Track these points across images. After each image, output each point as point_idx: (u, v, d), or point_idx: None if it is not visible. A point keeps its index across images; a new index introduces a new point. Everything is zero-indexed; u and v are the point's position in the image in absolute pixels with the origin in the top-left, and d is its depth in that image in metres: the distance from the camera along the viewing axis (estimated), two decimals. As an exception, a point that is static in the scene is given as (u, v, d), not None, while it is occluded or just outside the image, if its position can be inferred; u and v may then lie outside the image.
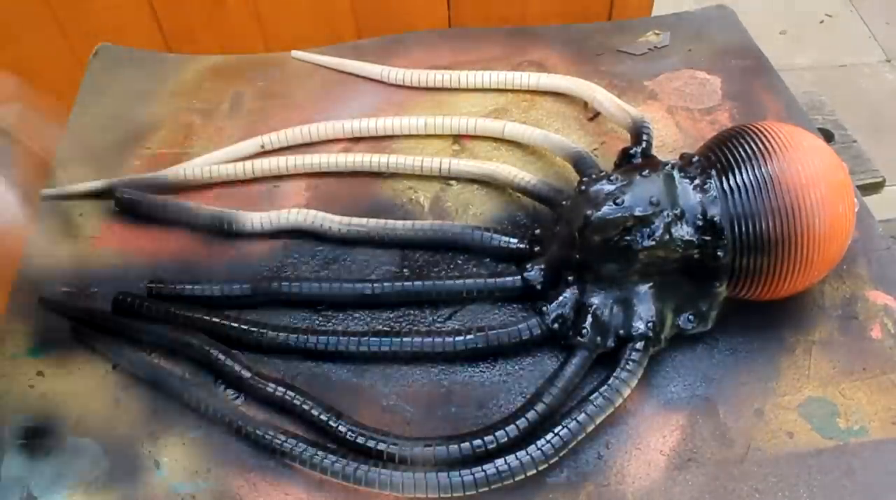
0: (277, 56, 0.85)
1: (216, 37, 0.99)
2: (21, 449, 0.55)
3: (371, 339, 0.59)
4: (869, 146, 1.14)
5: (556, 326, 0.59)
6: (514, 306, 0.63)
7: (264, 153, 0.75)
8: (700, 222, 0.56)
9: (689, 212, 0.56)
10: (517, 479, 0.52)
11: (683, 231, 0.56)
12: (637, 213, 0.56)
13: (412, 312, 0.63)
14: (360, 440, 0.54)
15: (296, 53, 0.85)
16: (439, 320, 0.62)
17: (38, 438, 0.56)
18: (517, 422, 0.53)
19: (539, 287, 0.61)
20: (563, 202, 0.63)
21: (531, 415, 0.54)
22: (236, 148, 0.74)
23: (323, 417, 0.55)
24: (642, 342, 0.57)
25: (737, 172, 0.56)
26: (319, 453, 0.53)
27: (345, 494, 0.53)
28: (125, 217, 0.70)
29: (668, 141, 0.75)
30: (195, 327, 0.60)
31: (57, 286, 0.65)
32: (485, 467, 0.51)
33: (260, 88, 0.82)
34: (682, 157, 0.60)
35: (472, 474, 0.51)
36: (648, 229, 0.56)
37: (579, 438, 0.53)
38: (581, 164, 0.67)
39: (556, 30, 0.87)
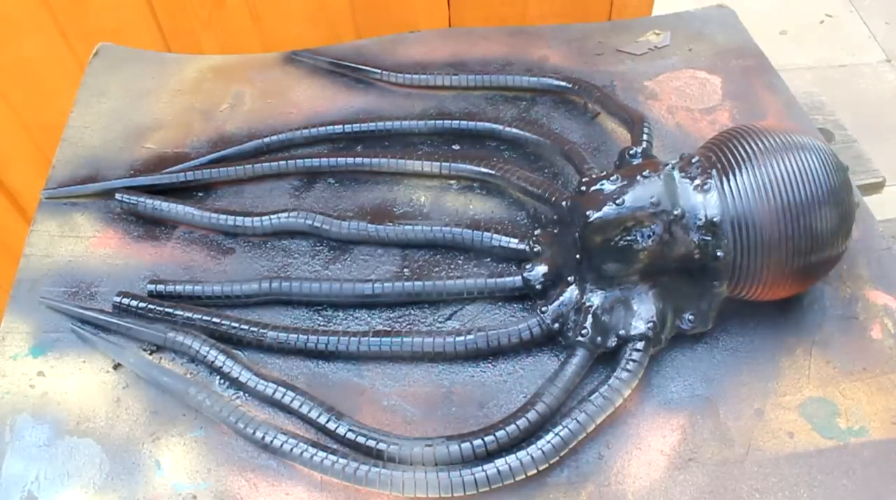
0: (277, 56, 0.85)
1: (216, 37, 0.99)
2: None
3: (371, 339, 0.59)
4: (869, 146, 1.14)
5: (556, 326, 0.59)
6: (514, 306, 0.63)
7: (265, 153, 0.75)
8: (700, 222, 0.56)
9: (690, 212, 0.56)
10: (517, 479, 0.52)
11: (683, 231, 0.56)
12: (637, 213, 0.56)
13: (412, 312, 0.63)
14: (361, 439, 0.54)
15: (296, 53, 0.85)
16: (439, 320, 0.62)
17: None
18: (518, 422, 0.53)
19: (539, 287, 0.61)
20: (564, 202, 0.63)
21: (531, 415, 0.54)
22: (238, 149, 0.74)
23: (323, 417, 0.55)
24: (642, 342, 0.57)
25: (737, 172, 0.56)
26: (320, 453, 0.53)
27: (345, 494, 0.53)
28: (125, 217, 0.70)
29: (668, 141, 0.75)
30: (195, 326, 0.60)
31: (57, 286, 0.65)
32: (485, 467, 0.51)
33: (260, 88, 0.82)
34: (682, 157, 0.60)
35: (473, 474, 0.51)
36: (649, 229, 0.56)
37: (579, 438, 0.53)
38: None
39: (556, 30, 0.87)
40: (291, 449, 0.53)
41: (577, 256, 0.59)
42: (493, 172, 0.70)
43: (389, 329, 0.61)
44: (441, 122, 0.75)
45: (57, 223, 0.69)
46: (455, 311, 0.63)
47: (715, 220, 0.56)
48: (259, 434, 0.54)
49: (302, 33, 0.99)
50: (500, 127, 0.74)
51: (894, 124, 1.86)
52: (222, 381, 0.59)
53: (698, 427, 0.56)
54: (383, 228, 0.66)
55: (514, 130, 0.74)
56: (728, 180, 0.56)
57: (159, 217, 0.69)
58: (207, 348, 0.59)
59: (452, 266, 0.66)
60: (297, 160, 0.72)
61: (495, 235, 0.65)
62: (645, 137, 0.67)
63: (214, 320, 0.61)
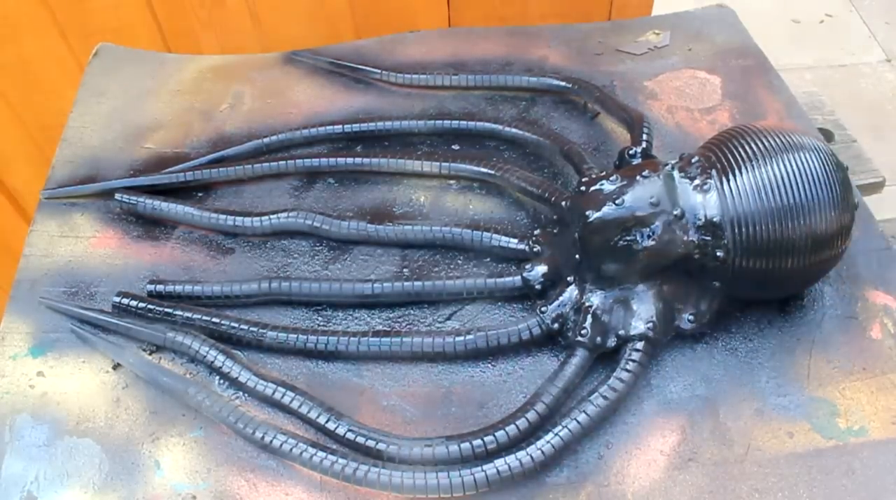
0: (277, 56, 0.85)
1: (216, 37, 0.99)
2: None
3: (371, 339, 0.59)
4: (869, 146, 1.14)
5: (555, 326, 0.59)
6: (514, 306, 0.63)
7: (265, 153, 0.75)
8: (700, 222, 0.56)
9: (689, 212, 0.56)
10: (517, 479, 0.52)
11: (683, 231, 0.56)
12: (637, 213, 0.56)
13: (412, 312, 0.63)
14: (360, 440, 0.54)
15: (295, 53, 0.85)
16: (439, 320, 0.62)
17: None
18: (517, 422, 0.53)
19: (539, 287, 0.61)
20: (563, 202, 0.63)
21: (531, 415, 0.54)
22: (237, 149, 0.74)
23: (322, 417, 0.55)
24: (642, 342, 0.57)
25: (737, 172, 0.56)
26: (319, 453, 0.53)
27: (345, 494, 0.53)
28: (125, 217, 0.70)
29: (668, 141, 0.75)
30: (195, 327, 0.60)
31: (56, 286, 0.65)
32: (485, 467, 0.51)
33: (260, 88, 0.82)
34: (681, 157, 0.60)
35: (473, 474, 0.51)
36: (648, 230, 0.56)
37: (579, 438, 0.53)
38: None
39: (556, 30, 0.87)
40: (291, 449, 0.53)
41: (577, 256, 0.59)
42: (492, 172, 0.70)
43: (389, 329, 0.61)
44: (441, 122, 0.75)
45: (56, 223, 0.69)
46: (455, 311, 0.63)
47: (715, 220, 0.56)
48: (259, 434, 0.54)
49: (302, 33, 0.99)
50: (500, 127, 0.74)
51: (894, 124, 1.86)
52: (222, 381, 0.59)
53: (698, 427, 0.56)
54: (383, 228, 0.66)
55: (514, 130, 0.74)
56: (728, 180, 0.56)
57: (159, 217, 0.69)
58: (207, 349, 0.59)
59: (452, 266, 0.66)
60: (297, 160, 0.72)
61: (495, 235, 0.65)
62: (645, 136, 0.66)
63: (214, 320, 0.61)
